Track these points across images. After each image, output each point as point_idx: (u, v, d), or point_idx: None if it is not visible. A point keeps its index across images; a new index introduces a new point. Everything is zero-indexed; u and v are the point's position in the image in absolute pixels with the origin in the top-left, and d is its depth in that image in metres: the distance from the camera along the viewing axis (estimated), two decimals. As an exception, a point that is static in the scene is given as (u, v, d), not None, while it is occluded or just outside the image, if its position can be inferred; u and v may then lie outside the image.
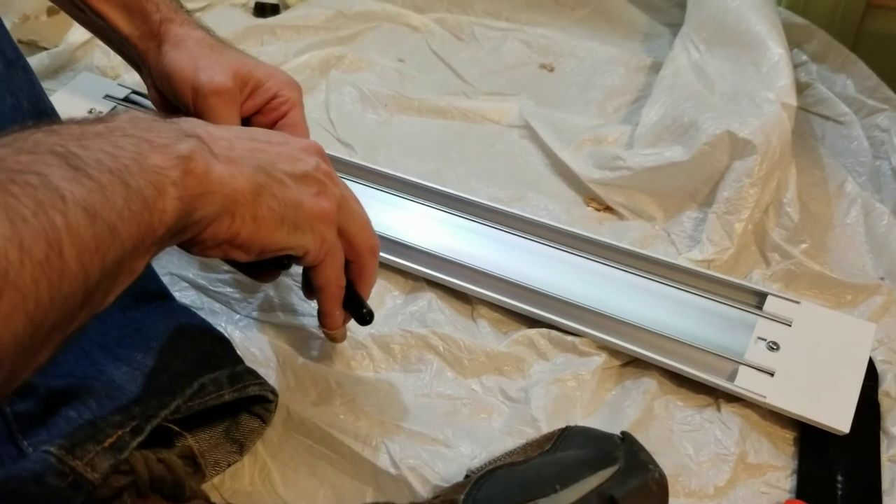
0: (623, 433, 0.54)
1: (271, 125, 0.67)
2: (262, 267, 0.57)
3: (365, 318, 0.60)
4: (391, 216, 0.78)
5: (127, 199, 0.37)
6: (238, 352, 0.62)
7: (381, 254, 0.73)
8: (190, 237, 0.44)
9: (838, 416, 0.62)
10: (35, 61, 0.97)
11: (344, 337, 0.64)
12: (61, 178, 0.35)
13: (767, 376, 0.65)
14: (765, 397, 0.63)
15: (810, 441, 0.63)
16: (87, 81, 0.94)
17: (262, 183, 0.47)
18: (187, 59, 0.64)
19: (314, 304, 0.61)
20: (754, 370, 0.65)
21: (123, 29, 0.67)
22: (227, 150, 0.46)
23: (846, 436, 0.62)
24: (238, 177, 0.45)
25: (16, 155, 0.35)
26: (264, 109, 0.66)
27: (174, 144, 0.42)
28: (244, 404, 0.59)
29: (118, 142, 0.39)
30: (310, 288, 0.60)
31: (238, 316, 0.70)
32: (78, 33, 0.99)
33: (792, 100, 0.80)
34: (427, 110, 0.96)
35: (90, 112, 0.89)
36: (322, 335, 0.64)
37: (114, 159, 0.38)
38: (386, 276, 0.74)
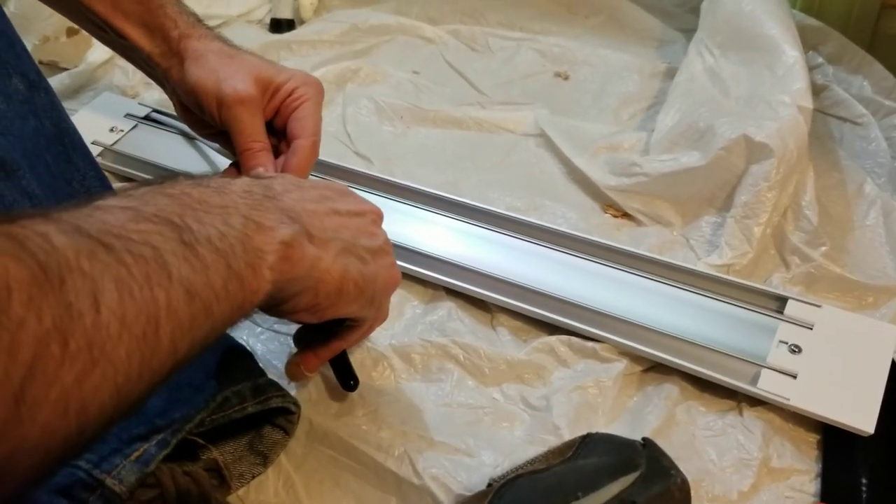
0: (644, 439, 0.54)
1: (285, 121, 0.67)
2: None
3: (350, 383, 0.64)
4: (409, 227, 0.79)
5: (226, 279, 0.39)
6: (261, 364, 0.62)
7: (401, 263, 0.74)
8: (269, 307, 0.46)
9: (863, 417, 0.62)
10: (56, 82, 0.99)
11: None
12: (172, 254, 0.36)
13: (790, 379, 0.64)
14: (788, 399, 0.63)
15: (834, 444, 0.63)
16: (107, 101, 0.96)
17: (348, 263, 0.49)
18: (209, 72, 0.66)
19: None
20: (777, 373, 0.65)
21: (145, 47, 0.69)
22: (320, 231, 0.48)
23: (870, 438, 0.61)
24: (326, 259, 0.47)
25: (137, 222, 0.36)
26: (281, 108, 0.67)
27: (277, 228, 0.43)
28: (267, 416, 0.59)
29: (230, 220, 0.41)
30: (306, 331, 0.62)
31: (260, 329, 0.71)
32: (97, 53, 1.01)
33: (808, 102, 0.80)
34: (442, 121, 0.97)
35: (111, 130, 0.90)
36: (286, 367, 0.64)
37: (222, 239, 0.39)
38: (405, 285, 0.75)
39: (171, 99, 0.72)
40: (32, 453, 0.29)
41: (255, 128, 0.66)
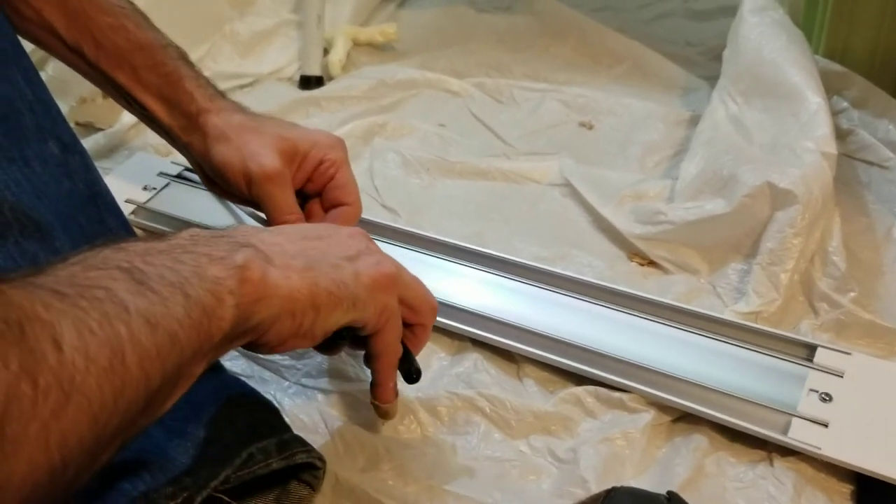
0: (669, 493, 0.53)
1: (321, 188, 0.69)
2: (325, 344, 0.59)
3: (412, 374, 0.61)
4: (436, 279, 0.78)
5: (187, 308, 0.40)
6: (287, 418, 0.63)
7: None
8: (253, 340, 0.47)
9: (897, 467, 0.60)
10: (91, 142, 1.02)
11: (395, 412, 0.65)
12: (126, 292, 0.38)
13: (822, 428, 0.63)
14: (820, 449, 0.62)
15: (868, 495, 0.61)
16: (141, 160, 0.99)
17: (316, 275, 0.49)
18: (233, 151, 0.67)
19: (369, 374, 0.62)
20: (808, 422, 0.64)
21: (165, 120, 0.70)
22: (281, 254, 0.48)
23: (906, 489, 0.60)
24: (292, 277, 0.48)
25: (86, 271, 0.39)
26: (313, 176, 0.69)
27: (231, 256, 0.45)
28: (294, 472, 0.59)
29: (179, 257, 0.43)
30: (366, 356, 0.61)
31: (287, 383, 0.72)
32: (131, 115, 1.04)
33: (832, 148, 0.80)
34: (469, 173, 0.98)
35: (144, 189, 0.93)
36: (372, 409, 0.64)
37: (175, 273, 0.41)
38: (432, 337, 0.75)
39: (196, 171, 0.73)
40: (21, 488, 0.32)
41: (287, 201, 0.67)
